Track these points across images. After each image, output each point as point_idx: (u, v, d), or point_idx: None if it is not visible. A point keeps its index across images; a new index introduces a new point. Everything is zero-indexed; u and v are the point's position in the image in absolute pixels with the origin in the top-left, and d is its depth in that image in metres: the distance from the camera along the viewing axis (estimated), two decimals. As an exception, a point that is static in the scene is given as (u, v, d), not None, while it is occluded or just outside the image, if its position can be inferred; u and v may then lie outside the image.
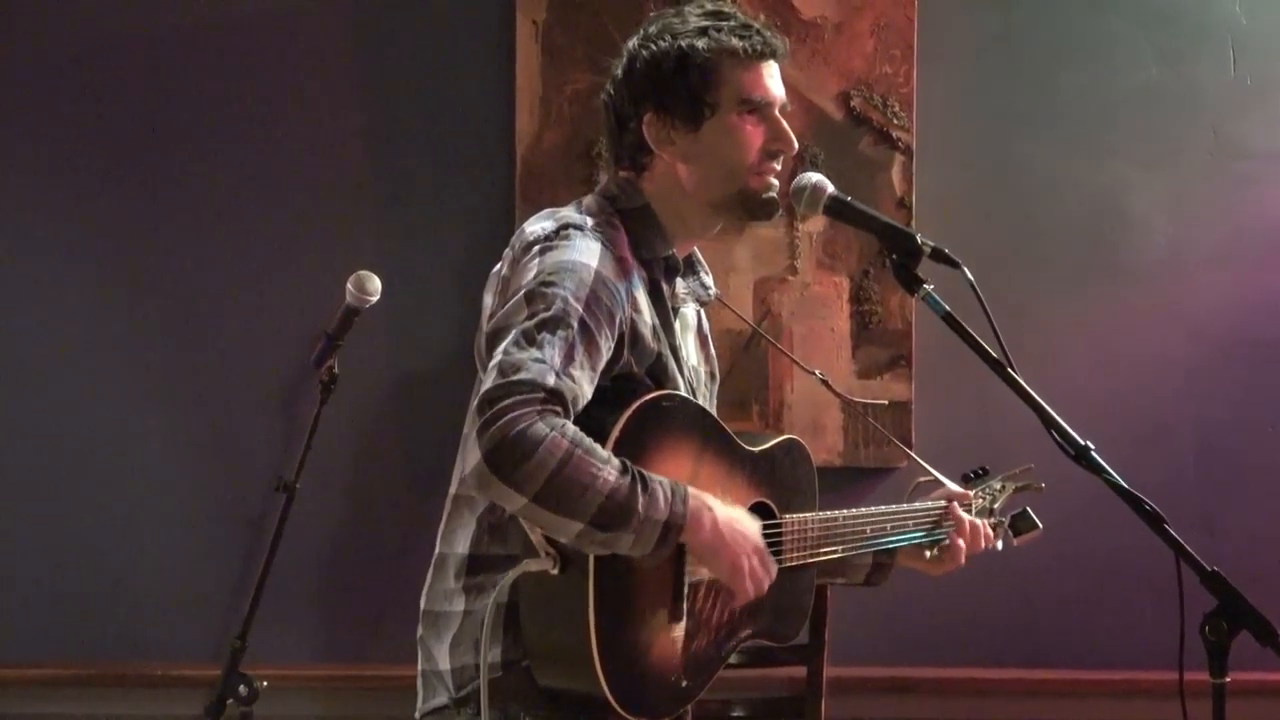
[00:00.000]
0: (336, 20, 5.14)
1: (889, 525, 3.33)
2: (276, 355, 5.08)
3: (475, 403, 2.66)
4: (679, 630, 2.87)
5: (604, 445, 2.69)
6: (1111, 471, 2.73)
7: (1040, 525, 3.57)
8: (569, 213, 2.99)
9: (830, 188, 3.07)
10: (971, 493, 3.52)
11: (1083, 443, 2.75)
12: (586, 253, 2.86)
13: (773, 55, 3.08)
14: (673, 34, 3.05)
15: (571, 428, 2.63)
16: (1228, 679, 2.61)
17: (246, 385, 5.11)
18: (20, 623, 5.13)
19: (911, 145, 4.97)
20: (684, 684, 2.89)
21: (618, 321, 2.87)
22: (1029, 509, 3.59)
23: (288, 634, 5.01)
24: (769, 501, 3.09)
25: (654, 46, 3.04)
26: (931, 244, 2.93)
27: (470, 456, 2.61)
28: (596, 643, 2.71)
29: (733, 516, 2.84)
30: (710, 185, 3.05)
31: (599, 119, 3.17)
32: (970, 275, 2.86)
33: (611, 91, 3.11)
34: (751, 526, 2.88)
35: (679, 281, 3.14)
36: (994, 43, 5.09)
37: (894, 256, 2.96)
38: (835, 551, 3.22)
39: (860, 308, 4.98)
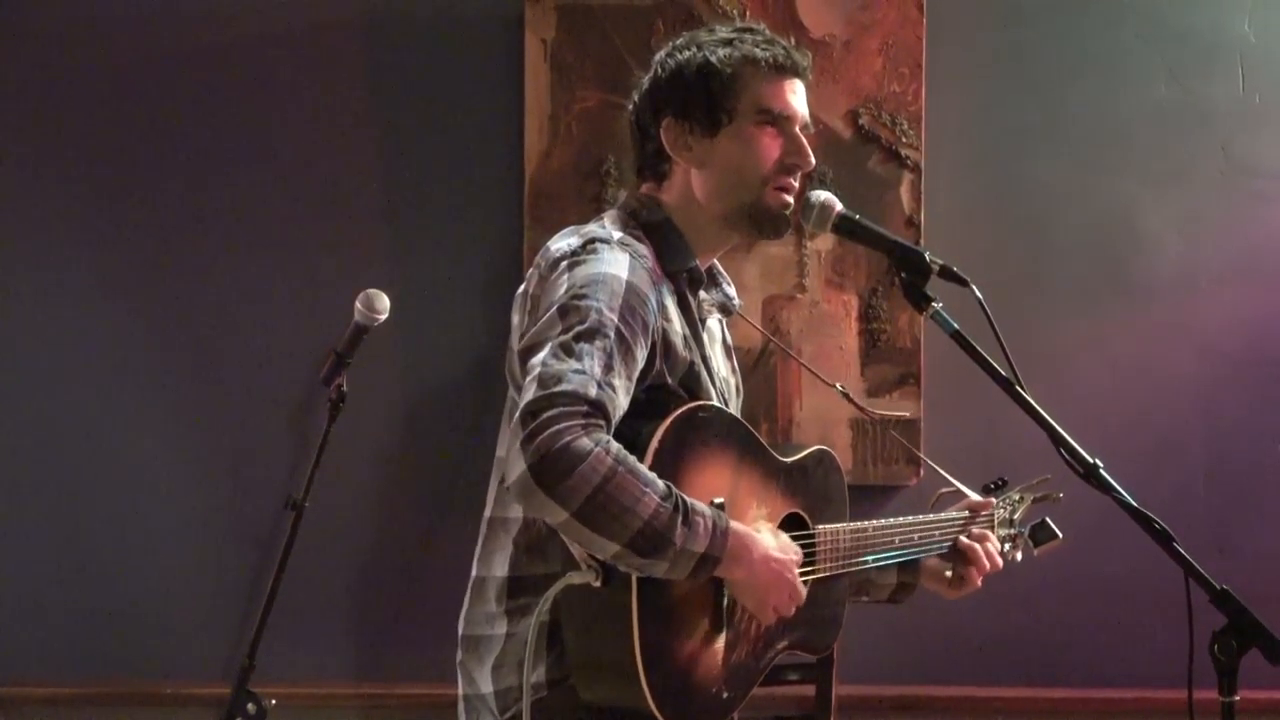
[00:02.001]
0: (347, 39, 5.14)
1: (916, 535, 3.34)
2: (286, 373, 5.09)
3: (516, 416, 2.64)
4: (720, 641, 2.88)
5: (641, 457, 2.70)
6: (1120, 489, 2.73)
7: (1060, 535, 3.58)
8: (593, 229, 2.99)
9: (839, 206, 3.08)
10: (994, 501, 3.52)
11: (1092, 460, 2.75)
12: (616, 264, 2.86)
13: (794, 70, 3.12)
14: (698, 45, 3.09)
15: (615, 445, 2.63)
16: (1237, 697, 2.61)
17: (256, 403, 5.11)
18: (30, 641, 5.13)
19: (920, 163, 4.97)
20: (725, 695, 2.90)
21: (651, 330, 2.87)
22: (1048, 519, 3.59)
23: (296, 652, 5.01)
24: (802, 512, 3.10)
25: (679, 56, 3.08)
26: (940, 262, 2.93)
27: (514, 468, 2.61)
28: (641, 655, 2.71)
29: (770, 554, 2.84)
30: (723, 195, 3.06)
31: (616, 136, 3.19)
32: (979, 293, 2.87)
33: (636, 101, 3.13)
34: (790, 557, 2.88)
35: (702, 293, 3.15)
36: (1003, 60, 5.09)
37: (903, 274, 2.96)
38: (865, 562, 3.23)
39: (869, 326, 4.97)
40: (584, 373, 2.67)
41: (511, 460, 2.62)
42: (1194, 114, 5.05)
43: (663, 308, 2.94)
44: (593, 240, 2.92)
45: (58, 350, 5.17)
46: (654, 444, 2.74)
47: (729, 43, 3.08)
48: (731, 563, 2.76)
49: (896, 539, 3.29)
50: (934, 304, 2.92)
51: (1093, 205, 5.05)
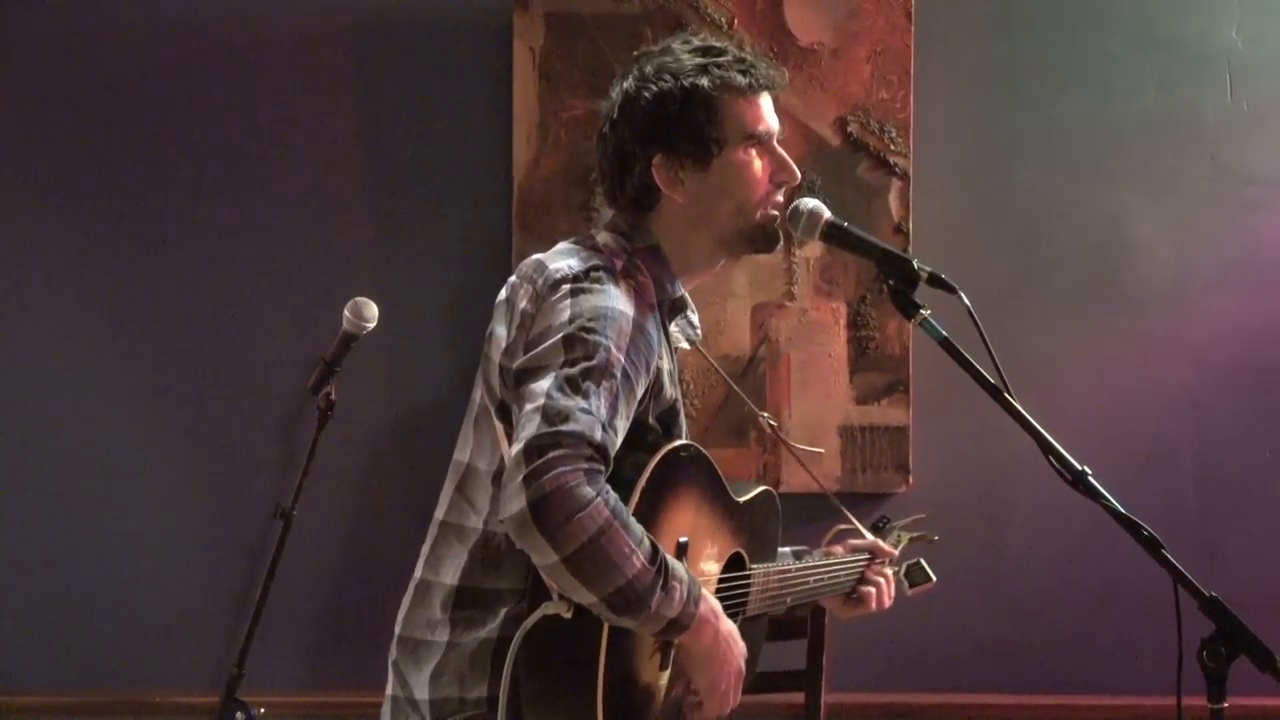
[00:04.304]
0: (336, 47, 5.14)
1: (827, 577, 3.38)
2: (274, 381, 5.08)
3: (519, 449, 2.62)
4: (664, 679, 2.89)
5: (625, 492, 2.70)
6: (1109, 496, 2.72)
7: (934, 578, 3.65)
8: (593, 253, 2.96)
9: (827, 213, 3.07)
10: (895, 553, 3.59)
11: (1080, 468, 2.75)
12: (622, 299, 2.85)
13: (769, 85, 3.10)
14: (672, 74, 3.04)
15: (614, 496, 2.63)
16: (1226, 704, 2.60)
17: (244, 412, 5.10)
18: (19, 650, 5.12)
19: (909, 171, 4.97)
20: None
21: (651, 371, 2.88)
22: (923, 560, 3.65)
23: (285, 661, 5.00)
24: (744, 551, 3.11)
25: (655, 87, 3.04)
26: (928, 269, 2.93)
27: (512, 502, 2.59)
28: (603, 688, 2.70)
29: (729, 634, 2.87)
30: (720, 222, 3.06)
31: (595, 158, 3.15)
32: (967, 300, 2.86)
33: (609, 133, 3.09)
34: (739, 647, 2.91)
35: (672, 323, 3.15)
36: (991, 68, 5.09)
37: (891, 282, 2.96)
38: (785, 601, 3.28)
39: (858, 333, 4.98)
40: (591, 413, 2.66)
41: (510, 493, 2.61)
42: (1183, 122, 5.05)
43: (659, 345, 2.94)
44: (598, 269, 2.89)
45: (45, 359, 5.16)
46: (642, 483, 2.75)
47: (704, 69, 3.04)
48: (697, 634, 2.79)
49: (811, 579, 3.32)
50: (922, 311, 2.92)
51: (1082, 213, 5.05)
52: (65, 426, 5.15)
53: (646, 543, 2.66)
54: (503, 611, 2.84)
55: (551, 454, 2.59)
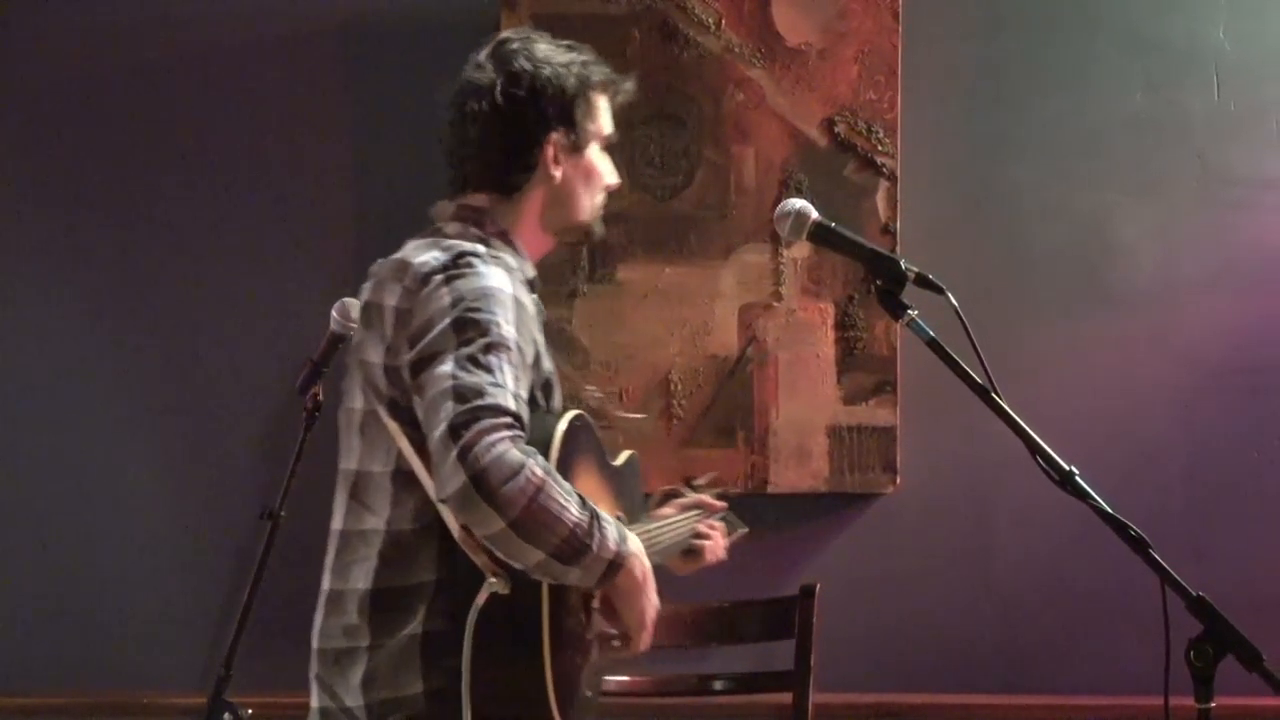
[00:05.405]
0: (322, 47, 5.14)
1: (671, 535, 3.40)
2: (262, 382, 5.08)
3: (443, 430, 2.68)
4: (586, 643, 2.96)
5: (544, 455, 2.77)
6: (1097, 497, 2.73)
7: (746, 528, 3.69)
8: (455, 241, 3.00)
9: (814, 214, 3.08)
10: (725, 505, 3.63)
11: (1067, 468, 2.76)
12: (497, 278, 2.90)
13: (627, 95, 3.22)
14: (562, 62, 3.12)
15: (540, 456, 2.70)
16: (1213, 704, 2.61)
17: (232, 413, 5.11)
18: (6, 651, 5.12)
19: (896, 171, 4.97)
20: (588, 694, 2.98)
21: (535, 344, 2.95)
22: (732, 512, 3.67)
23: (273, 663, 4.98)
24: (623, 515, 3.17)
25: (550, 69, 3.09)
26: (916, 270, 2.94)
27: (450, 483, 2.65)
28: (549, 654, 2.77)
29: (649, 570, 2.92)
30: (572, 211, 3.16)
31: (463, 135, 3.15)
32: (955, 301, 2.87)
33: (504, 105, 3.09)
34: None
35: None
36: (979, 68, 5.10)
37: (878, 282, 2.96)
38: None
39: (846, 334, 4.97)
40: (500, 385, 2.73)
41: (445, 475, 2.67)
42: (1170, 123, 5.06)
43: (534, 318, 3.00)
44: (464, 254, 2.93)
45: (33, 362, 5.16)
46: (555, 453, 2.84)
47: (585, 64, 3.14)
48: (628, 571, 2.84)
49: (665, 538, 3.35)
50: (910, 312, 2.92)
51: (1069, 213, 5.05)
52: (51, 428, 5.14)
53: (575, 492, 2.74)
54: (422, 606, 2.87)
55: (475, 427, 2.66)
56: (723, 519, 3.63)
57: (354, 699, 2.91)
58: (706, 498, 3.58)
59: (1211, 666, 2.59)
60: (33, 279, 5.16)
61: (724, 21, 4.97)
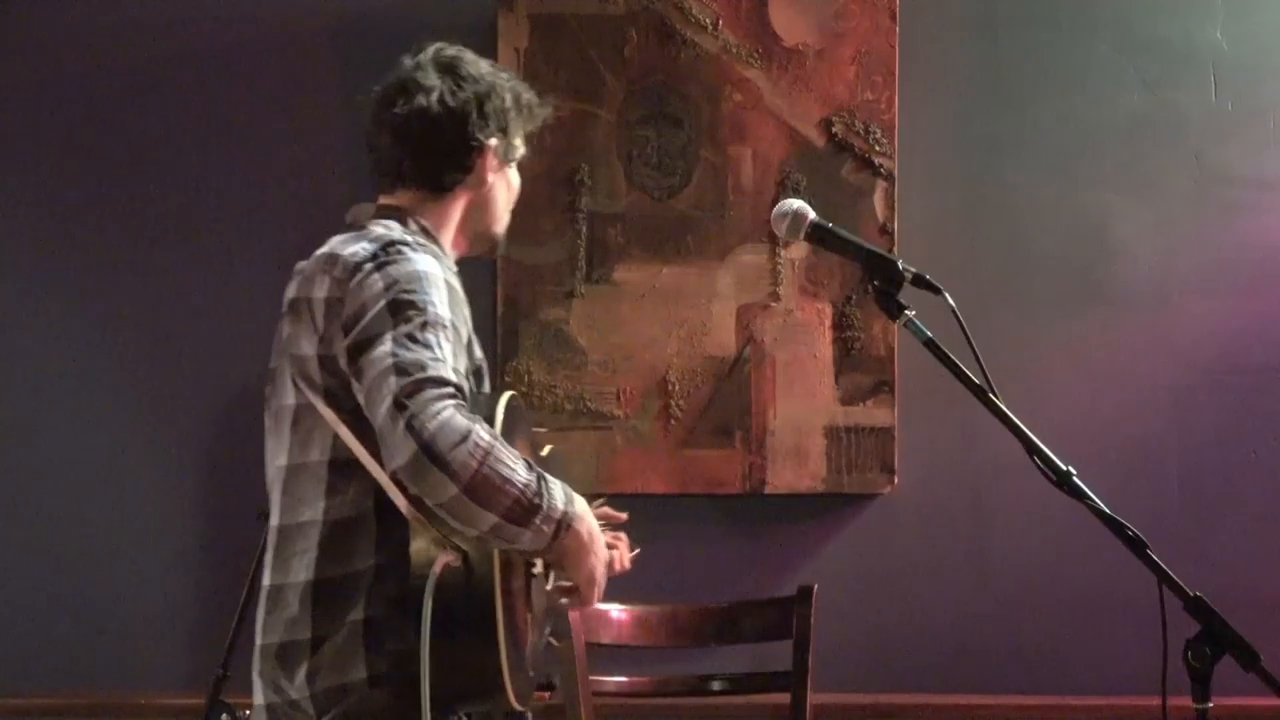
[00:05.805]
0: (319, 47, 5.14)
1: None
2: (257, 382, 5.05)
3: (388, 405, 2.71)
4: (528, 623, 2.99)
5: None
6: (1094, 497, 2.73)
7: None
8: (383, 233, 3.03)
9: (812, 214, 3.08)
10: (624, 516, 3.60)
11: (1065, 468, 2.76)
12: (427, 263, 2.94)
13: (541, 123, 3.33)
14: (502, 78, 3.22)
15: (484, 423, 2.73)
16: (1210, 704, 2.61)
17: (227, 412, 5.10)
18: (2, 652, 5.11)
19: (894, 171, 4.97)
20: (531, 674, 3.01)
21: (466, 324, 2.99)
22: None
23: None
24: None
25: (494, 80, 3.19)
26: (913, 270, 2.94)
27: (399, 453, 2.68)
28: (502, 622, 2.79)
29: (595, 527, 2.94)
30: (490, 220, 3.25)
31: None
32: (952, 301, 2.87)
33: (454, 104, 3.14)
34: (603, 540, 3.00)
35: None
36: (976, 69, 5.10)
37: (876, 283, 2.96)
38: None
39: (843, 334, 4.97)
40: (439, 359, 2.76)
41: (395, 447, 2.69)
42: (1167, 123, 5.06)
43: (464, 304, 3.04)
44: (392, 243, 2.96)
45: (26, 361, 5.15)
46: (499, 424, 2.87)
47: (516, 85, 3.23)
48: (575, 530, 2.85)
49: None
50: (907, 312, 2.92)
51: (1066, 214, 5.06)
52: (51, 428, 5.14)
53: (520, 456, 2.77)
54: (363, 593, 2.89)
55: (419, 397, 2.69)
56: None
57: (299, 691, 2.91)
58: (610, 510, 3.55)
59: (1209, 666, 2.60)
60: (32, 279, 5.16)
61: (721, 22, 4.97)
